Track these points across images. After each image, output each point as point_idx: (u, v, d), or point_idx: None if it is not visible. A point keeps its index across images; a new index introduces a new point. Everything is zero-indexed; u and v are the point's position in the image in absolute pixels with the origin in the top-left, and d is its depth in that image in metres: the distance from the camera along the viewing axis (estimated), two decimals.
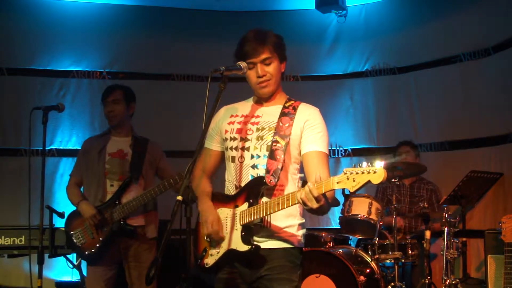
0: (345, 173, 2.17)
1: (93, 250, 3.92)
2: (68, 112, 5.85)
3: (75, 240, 4.00)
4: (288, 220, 2.60)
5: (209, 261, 2.63)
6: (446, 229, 4.18)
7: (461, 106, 5.73)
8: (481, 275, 5.00)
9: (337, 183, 2.20)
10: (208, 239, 2.66)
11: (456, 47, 5.74)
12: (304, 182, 2.58)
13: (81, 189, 4.15)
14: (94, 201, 3.97)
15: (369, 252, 4.53)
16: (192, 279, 2.41)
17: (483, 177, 5.19)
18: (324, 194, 2.27)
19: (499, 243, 3.85)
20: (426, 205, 4.68)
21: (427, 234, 4.46)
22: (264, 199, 2.51)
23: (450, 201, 5.12)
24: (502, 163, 5.33)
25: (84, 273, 4.73)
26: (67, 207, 4.66)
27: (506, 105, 5.30)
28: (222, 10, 6.32)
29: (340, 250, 4.54)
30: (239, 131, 2.66)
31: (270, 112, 2.67)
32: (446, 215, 4.21)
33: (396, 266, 4.47)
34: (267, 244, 2.56)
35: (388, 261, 4.55)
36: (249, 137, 2.63)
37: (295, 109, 2.65)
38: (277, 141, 2.57)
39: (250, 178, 2.59)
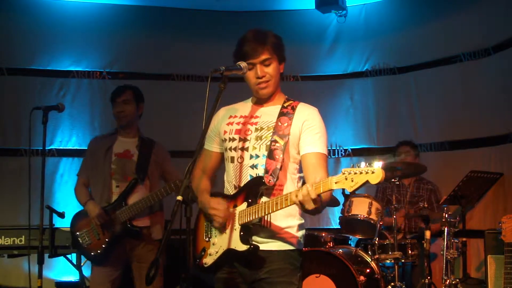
0: (344, 173, 2.17)
1: (99, 251, 3.91)
2: (68, 112, 5.85)
3: (80, 241, 3.99)
4: (288, 221, 2.60)
5: (208, 260, 2.62)
6: (446, 229, 4.18)
7: (461, 106, 5.73)
8: (481, 275, 5.00)
9: (336, 183, 2.19)
10: (207, 238, 2.66)
11: (456, 47, 5.75)
12: (304, 183, 2.58)
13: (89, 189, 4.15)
14: (100, 201, 3.96)
15: (369, 252, 4.53)
16: (192, 279, 2.41)
17: (483, 177, 5.19)
18: (319, 195, 2.27)
19: (499, 243, 3.85)
20: (426, 205, 4.68)
21: (427, 234, 4.46)
22: (264, 199, 2.51)
23: (450, 201, 5.12)
24: (502, 163, 5.33)
25: (85, 273, 4.74)
26: (67, 207, 4.67)
27: (506, 105, 5.31)
28: (222, 10, 6.32)
29: (340, 250, 4.54)
30: (238, 131, 2.66)
31: (269, 112, 2.67)
32: (446, 215, 4.22)
33: (396, 266, 4.47)
34: (267, 245, 2.56)
35: (388, 261, 4.55)
36: (248, 137, 2.63)
37: (293, 109, 2.65)
38: (276, 141, 2.57)
39: (249, 178, 2.59)
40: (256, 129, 2.64)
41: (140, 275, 3.98)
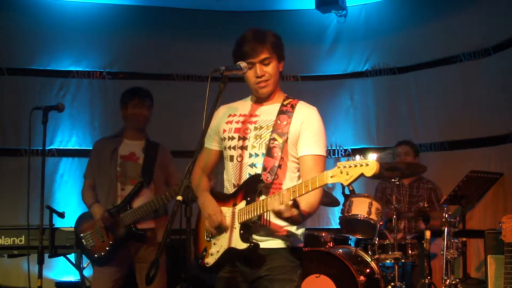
0: (339, 167, 2.19)
1: (102, 253, 3.89)
2: (68, 112, 5.85)
3: (84, 243, 3.97)
4: None
5: (210, 260, 2.63)
6: (446, 229, 4.18)
7: (461, 106, 5.73)
8: (481, 275, 5.00)
9: (331, 177, 2.21)
10: (208, 238, 2.66)
11: (456, 47, 5.75)
12: None
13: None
14: (106, 203, 3.93)
15: (369, 252, 4.53)
16: (192, 279, 2.41)
17: (483, 177, 5.19)
18: (296, 205, 2.32)
19: (499, 243, 3.85)
20: (426, 205, 4.68)
21: (427, 234, 4.45)
22: (262, 197, 2.51)
23: (450, 201, 5.12)
24: (502, 163, 5.33)
25: (85, 273, 4.74)
26: (67, 207, 4.67)
27: (506, 105, 5.31)
28: (222, 10, 6.32)
29: (340, 250, 4.54)
30: (238, 130, 2.66)
31: (268, 111, 2.67)
32: (446, 215, 4.21)
33: (396, 266, 4.46)
34: (267, 243, 2.56)
35: (388, 261, 4.55)
36: (247, 136, 2.63)
37: (293, 107, 2.65)
38: (274, 139, 2.57)
39: (248, 176, 2.59)
40: (256, 128, 2.64)
41: (141, 275, 3.97)
